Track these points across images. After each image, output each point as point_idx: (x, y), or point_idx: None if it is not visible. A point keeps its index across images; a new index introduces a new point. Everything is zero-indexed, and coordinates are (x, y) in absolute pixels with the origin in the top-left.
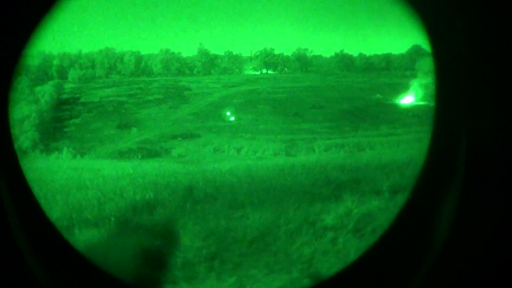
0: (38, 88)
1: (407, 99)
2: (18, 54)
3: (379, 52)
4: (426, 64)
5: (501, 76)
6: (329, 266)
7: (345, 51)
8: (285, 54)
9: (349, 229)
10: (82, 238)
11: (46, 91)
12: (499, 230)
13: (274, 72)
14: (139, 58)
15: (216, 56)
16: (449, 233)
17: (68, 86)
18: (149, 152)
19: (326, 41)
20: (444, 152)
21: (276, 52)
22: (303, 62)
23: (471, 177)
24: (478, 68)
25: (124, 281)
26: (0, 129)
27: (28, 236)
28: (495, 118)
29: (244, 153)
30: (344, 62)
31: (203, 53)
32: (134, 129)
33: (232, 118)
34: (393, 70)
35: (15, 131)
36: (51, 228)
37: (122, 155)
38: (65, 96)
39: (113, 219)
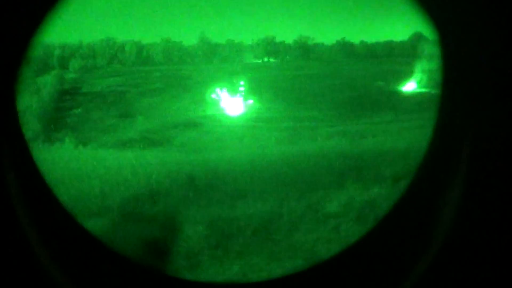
0: (39, 79)
1: (409, 86)
2: (24, 47)
3: (381, 39)
4: (428, 50)
5: (509, 68)
6: (332, 254)
7: (347, 39)
8: (286, 42)
9: (352, 216)
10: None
11: (47, 82)
12: (505, 223)
13: (275, 60)
14: (140, 48)
15: (217, 45)
16: (452, 225)
17: (69, 76)
18: (151, 141)
19: (328, 29)
20: (448, 144)
21: (277, 40)
22: (304, 50)
23: (476, 168)
24: (486, 59)
25: (141, 263)
26: (10, 119)
27: (37, 223)
28: (503, 109)
29: (247, 142)
30: (346, 49)
31: (204, 42)
32: (136, 119)
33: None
34: (395, 57)
35: None
36: (63, 214)
37: (124, 144)
38: (66, 86)
39: (115, 209)
